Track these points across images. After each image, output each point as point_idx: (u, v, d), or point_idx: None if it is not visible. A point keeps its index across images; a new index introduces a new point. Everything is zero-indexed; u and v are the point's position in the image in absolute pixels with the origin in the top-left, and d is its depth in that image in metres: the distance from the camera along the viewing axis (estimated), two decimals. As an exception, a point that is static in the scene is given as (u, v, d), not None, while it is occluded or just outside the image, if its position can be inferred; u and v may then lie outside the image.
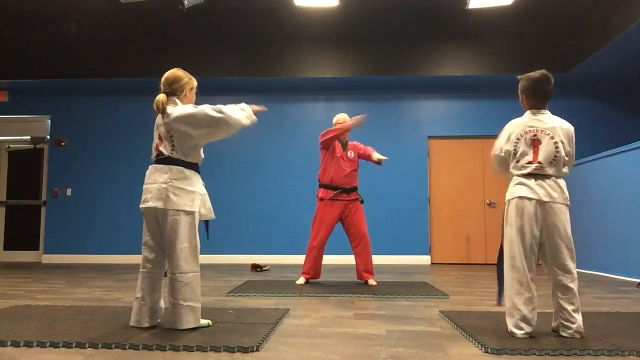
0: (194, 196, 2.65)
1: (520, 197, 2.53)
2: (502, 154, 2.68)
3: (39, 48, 7.42)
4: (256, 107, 2.79)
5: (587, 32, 6.59)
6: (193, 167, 2.71)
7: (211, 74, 7.31)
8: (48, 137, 8.15)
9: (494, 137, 2.79)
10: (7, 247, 8.20)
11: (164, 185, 2.60)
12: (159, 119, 2.73)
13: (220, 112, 2.64)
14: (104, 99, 8.06)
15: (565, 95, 7.53)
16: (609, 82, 7.46)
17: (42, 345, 2.31)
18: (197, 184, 2.70)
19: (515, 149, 2.60)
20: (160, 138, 2.70)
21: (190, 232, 2.63)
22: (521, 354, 2.21)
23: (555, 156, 2.53)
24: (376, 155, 4.76)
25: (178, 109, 2.67)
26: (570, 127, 2.64)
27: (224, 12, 6.95)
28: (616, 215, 5.78)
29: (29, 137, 8.25)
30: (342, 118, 4.87)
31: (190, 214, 2.63)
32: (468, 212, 7.61)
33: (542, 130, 2.57)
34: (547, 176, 2.53)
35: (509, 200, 2.60)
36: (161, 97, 2.68)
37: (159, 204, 2.59)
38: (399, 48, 7.27)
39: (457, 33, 7.18)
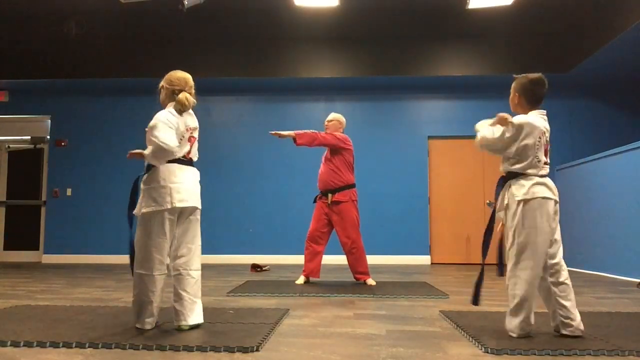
0: None
1: (543, 198, 2.48)
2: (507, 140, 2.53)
3: (39, 48, 7.42)
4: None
5: (587, 32, 6.59)
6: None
7: (211, 74, 7.31)
8: (48, 137, 8.15)
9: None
10: (7, 247, 8.19)
11: (198, 186, 2.76)
12: (188, 122, 2.74)
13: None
14: (104, 99, 8.06)
15: (565, 95, 7.53)
16: (609, 82, 7.46)
17: (42, 345, 2.31)
18: None
19: (537, 148, 2.51)
20: (191, 140, 2.77)
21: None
22: (521, 354, 2.21)
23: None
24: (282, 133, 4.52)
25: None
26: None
27: (224, 12, 6.95)
28: (616, 215, 5.78)
29: (29, 137, 8.25)
30: (331, 116, 4.88)
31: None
32: (468, 212, 7.61)
33: (546, 131, 2.58)
34: (548, 175, 2.59)
35: (527, 199, 2.48)
36: (189, 95, 2.75)
37: (198, 204, 2.73)
38: (399, 48, 7.27)
39: (457, 33, 7.18)
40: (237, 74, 7.38)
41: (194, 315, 2.64)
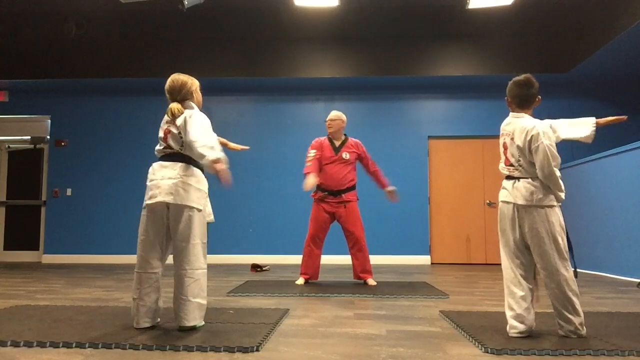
0: (201, 194, 2.70)
1: (501, 201, 2.64)
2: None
3: (39, 48, 7.41)
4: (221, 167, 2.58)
5: (587, 32, 6.59)
6: (198, 165, 2.72)
7: (211, 74, 7.30)
8: (48, 137, 8.15)
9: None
10: (7, 247, 8.19)
11: (174, 181, 2.62)
12: (165, 118, 2.80)
13: (209, 148, 2.58)
14: (104, 99, 8.06)
15: (565, 95, 7.53)
16: (609, 82, 7.46)
17: (42, 345, 2.31)
18: (203, 183, 2.74)
19: (503, 151, 2.67)
20: (165, 133, 2.74)
21: (202, 229, 2.68)
22: (521, 354, 2.21)
23: (519, 159, 2.54)
24: (390, 189, 4.79)
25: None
26: (529, 128, 2.50)
27: (224, 12, 6.95)
28: (616, 215, 5.78)
29: (29, 137, 8.25)
30: (334, 115, 4.83)
31: (201, 211, 2.67)
32: (468, 212, 7.61)
33: (507, 134, 2.62)
34: (522, 178, 2.53)
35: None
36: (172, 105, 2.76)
37: (169, 199, 2.59)
38: (399, 48, 7.27)
39: (457, 33, 7.18)
40: (237, 74, 7.38)
41: (188, 316, 2.59)
